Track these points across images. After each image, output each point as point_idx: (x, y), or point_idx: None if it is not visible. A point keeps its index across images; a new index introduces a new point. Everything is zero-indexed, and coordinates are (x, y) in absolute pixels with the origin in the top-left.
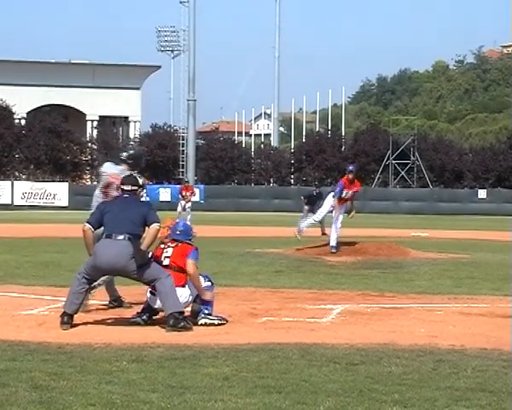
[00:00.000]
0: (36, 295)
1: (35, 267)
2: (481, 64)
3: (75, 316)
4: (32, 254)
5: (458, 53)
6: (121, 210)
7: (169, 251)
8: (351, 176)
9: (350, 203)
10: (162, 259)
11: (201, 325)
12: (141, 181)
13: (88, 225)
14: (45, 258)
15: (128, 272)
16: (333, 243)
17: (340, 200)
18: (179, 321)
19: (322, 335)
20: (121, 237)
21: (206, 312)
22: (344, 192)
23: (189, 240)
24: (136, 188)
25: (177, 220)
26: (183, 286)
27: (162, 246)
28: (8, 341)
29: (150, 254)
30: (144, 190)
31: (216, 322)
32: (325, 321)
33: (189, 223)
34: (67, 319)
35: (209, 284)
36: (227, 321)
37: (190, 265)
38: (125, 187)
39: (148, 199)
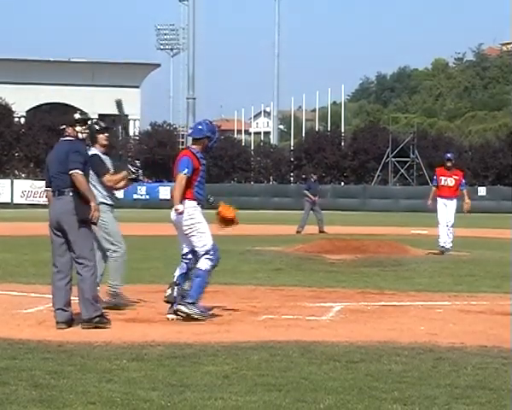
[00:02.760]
0: (36, 293)
1: (35, 266)
2: (481, 62)
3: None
4: (31, 253)
5: (458, 51)
6: (53, 160)
7: None
8: (449, 164)
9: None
10: None
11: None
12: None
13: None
14: (45, 256)
15: (69, 231)
16: (447, 244)
17: (443, 189)
18: (93, 317)
19: (321, 333)
20: (61, 195)
21: (190, 301)
22: (442, 180)
23: (203, 136)
24: (63, 127)
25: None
26: (185, 199)
27: None
28: (8, 339)
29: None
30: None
31: (194, 316)
32: (325, 319)
33: None
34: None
35: (206, 264)
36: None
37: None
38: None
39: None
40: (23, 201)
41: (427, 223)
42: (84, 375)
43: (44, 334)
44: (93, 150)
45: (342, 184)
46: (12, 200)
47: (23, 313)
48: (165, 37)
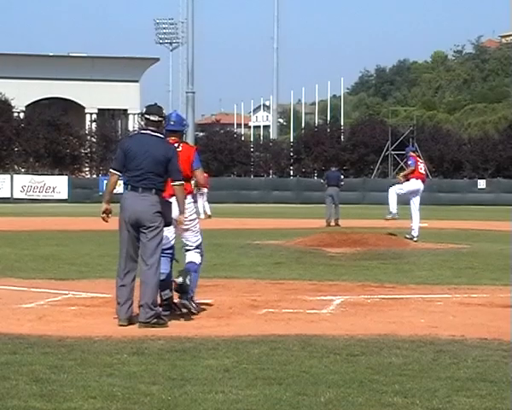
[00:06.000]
0: (36, 288)
1: (35, 261)
2: (480, 54)
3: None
4: (31, 248)
5: (457, 43)
6: (145, 153)
7: None
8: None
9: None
10: None
11: (179, 306)
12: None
13: (114, 171)
14: (45, 251)
15: (148, 228)
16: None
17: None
18: (152, 317)
19: (322, 326)
20: (148, 193)
21: (190, 295)
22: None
23: (183, 127)
24: (162, 119)
25: (170, 112)
26: (189, 193)
27: None
28: (8, 334)
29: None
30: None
31: (192, 310)
32: (325, 312)
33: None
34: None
35: (199, 258)
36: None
37: (200, 176)
38: (152, 117)
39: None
40: (23, 195)
41: (426, 216)
42: (84, 369)
43: (45, 329)
44: None
45: (342, 177)
46: (12, 195)
47: (23, 308)
48: (165, 31)
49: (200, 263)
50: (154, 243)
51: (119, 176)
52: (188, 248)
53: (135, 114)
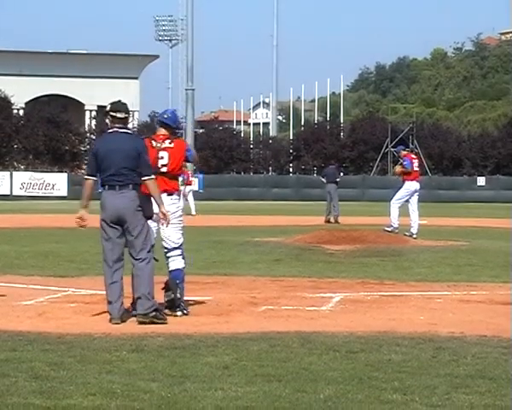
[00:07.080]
0: (35, 285)
1: (34, 258)
2: (480, 51)
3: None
4: (31, 245)
5: (457, 40)
6: (116, 150)
7: (165, 157)
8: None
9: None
10: (159, 166)
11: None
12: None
13: (88, 177)
14: (44, 248)
15: (131, 225)
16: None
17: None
18: (150, 308)
19: (321, 323)
20: (125, 189)
21: (183, 305)
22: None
23: (175, 125)
24: (128, 115)
25: (166, 109)
26: (177, 191)
27: (154, 144)
28: (8, 331)
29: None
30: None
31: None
32: (325, 309)
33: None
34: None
35: (183, 263)
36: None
37: (195, 155)
38: (119, 114)
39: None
40: (22, 192)
41: (426, 213)
42: (83, 366)
43: (44, 326)
44: None
45: (341, 174)
46: (11, 192)
47: (23, 305)
48: (164, 28)
49: (184, 267)
50: (140, 239)
51: (95, 180)
52: (168, 248)
53: (134, 111)
